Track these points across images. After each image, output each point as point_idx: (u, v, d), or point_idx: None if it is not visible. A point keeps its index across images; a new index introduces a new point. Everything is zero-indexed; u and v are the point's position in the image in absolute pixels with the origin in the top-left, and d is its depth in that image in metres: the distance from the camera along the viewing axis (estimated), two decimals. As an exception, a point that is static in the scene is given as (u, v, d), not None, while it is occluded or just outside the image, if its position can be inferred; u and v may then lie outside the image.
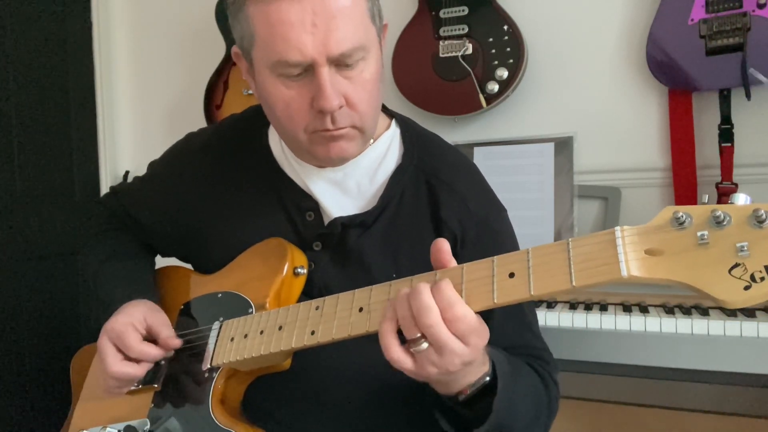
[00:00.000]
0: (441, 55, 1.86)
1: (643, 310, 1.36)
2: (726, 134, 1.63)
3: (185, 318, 1.02)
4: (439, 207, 0.94)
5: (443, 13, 1.86)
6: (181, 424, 0.92)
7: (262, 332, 0.86)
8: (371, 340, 0.72)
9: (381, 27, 0.91)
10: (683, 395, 1.70)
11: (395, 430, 0.95)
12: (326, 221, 0.97)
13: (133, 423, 0.94)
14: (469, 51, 1.82)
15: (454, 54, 1.84)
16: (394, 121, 1.03)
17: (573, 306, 1.41)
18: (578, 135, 1.74)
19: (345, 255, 0.95)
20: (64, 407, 1.12)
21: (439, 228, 0.94)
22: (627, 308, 1.38)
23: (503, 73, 1.79)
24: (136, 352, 0.92)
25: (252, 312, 0.92)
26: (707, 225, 0.57)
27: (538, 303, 1.43)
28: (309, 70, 0.82)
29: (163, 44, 2.47)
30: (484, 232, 0.94)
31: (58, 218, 2.29)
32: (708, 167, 1.69)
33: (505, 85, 1.79)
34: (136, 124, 2.55)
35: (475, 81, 1.82)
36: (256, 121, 1.03)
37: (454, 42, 1.84)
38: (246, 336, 0.88)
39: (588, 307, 1.40)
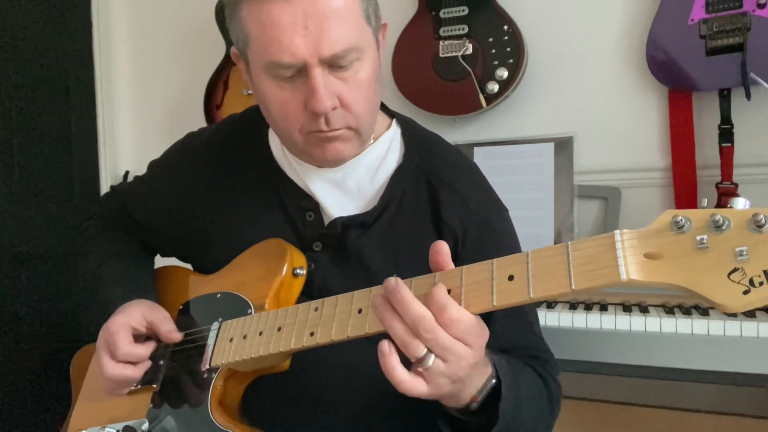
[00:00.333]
0: (441, 55, 1.85)
1: (643, 310, 1.36)
2: (726, 134, 1.63)
3: (184, 318, 1.02)
4: (440, 207, 0.94)
5: (443, 13, 1.85)
6: (180, 424, 0.92)
7: (261, 333, 0.86)
8: (370, 341, 0.72)
9: (378, 27, 0.90)
10: (683, 395, 1.70)
11: (393, 431, 0.95)
12: (326, 221, 0.97)
13: (132, 423, 0.94)
14: (469, 51, 1.82)
15: (454, 54, 1.84)
16: (394, 121, 1.03)
17: (573, 306, 1.41)
18: (578, 135, 1.74)
19: (345, 255, 0.95)
20: (64, 407, 1.12)
21: (439, 228, 0.94)
22: (627, 308, 1.38)
23: (503, 73, 1.79)
24: (122, 354, 0.92)
25: (251, 312, 0.92)
26: (706, 229, 0.57)
27: (538, 303, 1.43)
28: (302, 71, 0.82)
29: (163, 44, 2.47)
30: (486, 231, 0.94)
31: (58, 218, 2.29)
32: (708, 167, 1.68)
33: (505, 85, 1.79)
34: (136, 124, 2.55)
35: (475, 81, 1.81)
36: (256, 121, 1.03)
37: (454, 42, 1.84)
38: (245, 337, 0.88)
39: (588, 307, 1.40)
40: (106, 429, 0.95)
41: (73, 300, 2.32)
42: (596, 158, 1.80)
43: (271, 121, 0.93)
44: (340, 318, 0.77)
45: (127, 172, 2.48)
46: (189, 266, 1.12)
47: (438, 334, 0.65)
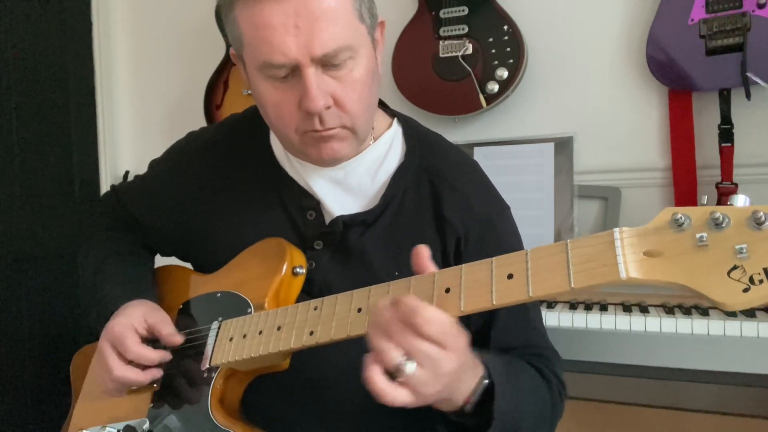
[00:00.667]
0: (441, 55, 1.85)
1: (643, 310, 1.36)
2: (726, 134, 1.63)
3: (184, 317, 1.02)
4: (442, 206, 0.94)
5: (443, 13, 1.85)
6: (180, 423, 0.92)
7: (260, 332, 0.86)
8: (370, 340, 0.72)
9: (373, 25, 0.90)
10: (683, 395, 1.70)
11: (394, 431, 0.95)
12: (327, 220, 0.97)
13: (132, 423, 0.94)
14: (469, 51, 1.82)
15: (454, 54, 1.84)
16: (395, 121, 1.03)
17: (573, 306, 1.41)
18: (578, 135, 1.74)
19: (346, 254, 0.95)
20: (64, 407, 1.12)
21: (441, 227, 0.94)
22: (627, 308, 1.38)
23: (503, 73, 1.79)
24: (133, 354, 0.92)
25: (251, 312, 0.92)
26: (706, 227, 0.57)
27: (538, 302, 1.42)
28: (295, 71, 0.82)
29: (163, 44, 2.47)
30: (487, 230, 0.94)
31: (58, 218, 2.29)
32: (708, 167, 1.68)
33: (505, 85, 1.79)
34: (136, 124, 2.55)
35: (475, 81, 1.81)
36: (257, 120, 1.03)
37: (454, 42, 1.84)
38: (245, 336, 0.88)
39: (588, 307, 1.40)
40: (107, 429, 0.95)
41: (73, 300, 2.32)
42: (596, 158, 1.80)
43: (268, 122, 0.93)
44: (339, 317, 0.77)
45: (127, 172, 2.48)
46: (189, 266, 1.12)
47: (408, 335, 0.64)
